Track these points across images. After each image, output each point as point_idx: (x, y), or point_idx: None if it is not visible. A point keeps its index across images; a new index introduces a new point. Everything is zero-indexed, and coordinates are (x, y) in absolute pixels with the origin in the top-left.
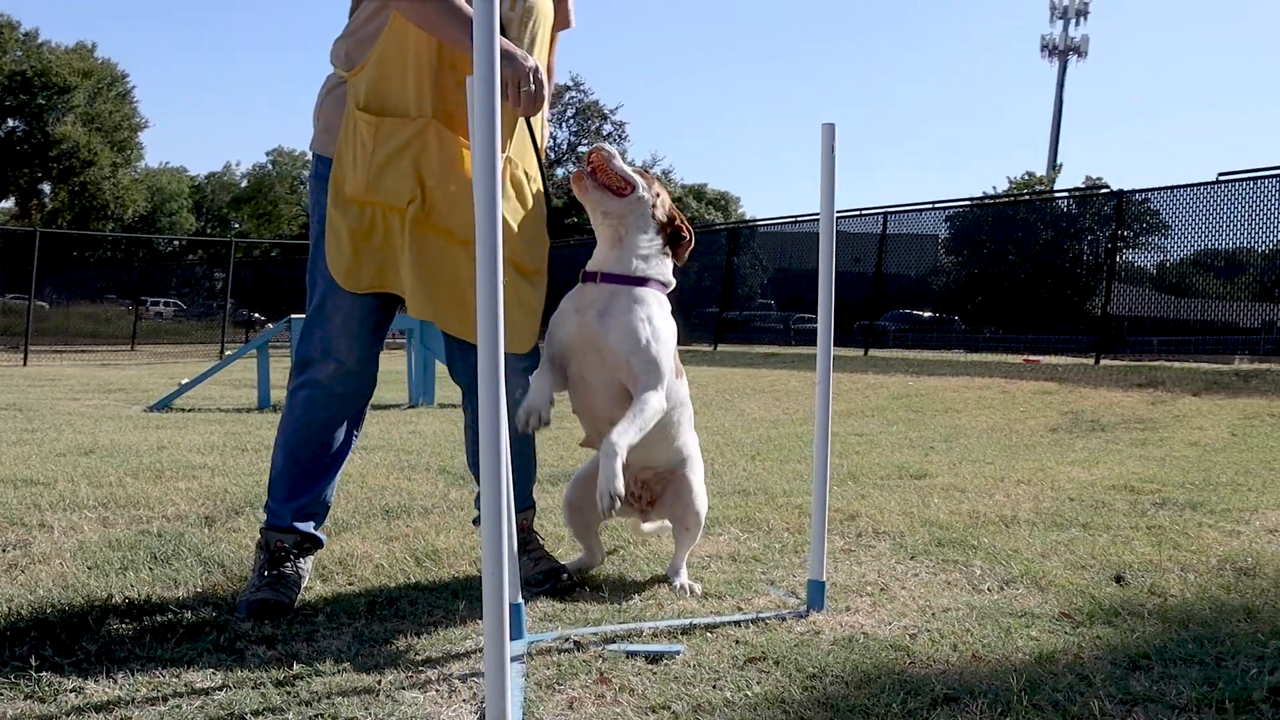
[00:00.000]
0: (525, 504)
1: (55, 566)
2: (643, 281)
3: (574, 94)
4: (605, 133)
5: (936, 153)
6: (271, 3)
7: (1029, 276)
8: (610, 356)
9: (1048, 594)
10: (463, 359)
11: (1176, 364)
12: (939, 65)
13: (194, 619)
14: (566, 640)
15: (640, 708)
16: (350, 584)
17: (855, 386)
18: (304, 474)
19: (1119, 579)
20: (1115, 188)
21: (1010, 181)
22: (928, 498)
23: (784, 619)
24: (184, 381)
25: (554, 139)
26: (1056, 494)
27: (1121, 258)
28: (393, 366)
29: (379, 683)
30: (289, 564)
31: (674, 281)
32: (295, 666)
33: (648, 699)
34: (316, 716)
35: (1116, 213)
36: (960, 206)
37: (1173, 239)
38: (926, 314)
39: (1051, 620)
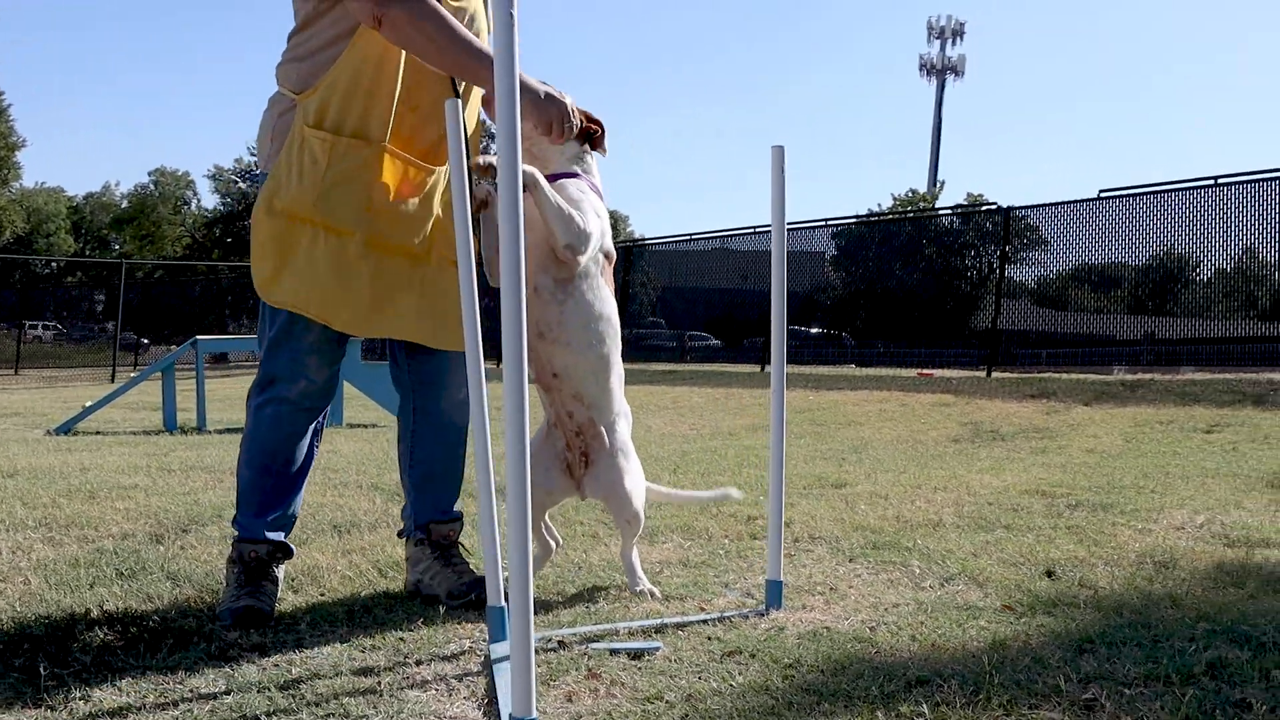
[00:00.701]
0: (451, 515)
1: (20, 584)
2: (572, 175)
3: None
4: (492, 150)
5: (821, 170)
6: (150, 20)
7: (915, 292)
8: (537, 236)
9: (986, 589)
10: (409, 363)
11: (1065, 375)
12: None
13: (179, 629)
14: (549, 640)
15: (635, 698)
16: (322, 594)
17: (757, 401)
18: (273, 488)
19: (1050, 574)
20: (998, 204)
21: (894, 198)
22: (853, 505)
23: (747, 617)
24: (88, 404)
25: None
26: (974, 499)
27: (1014, 272)
28: None
29: (379, 684)
30: (264, 574)
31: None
32: (294, 670)
33: (640, 690)
34: (328, 716)
35: (1003, 229)
36: (848, 223)
37: (1055, 254)
38: (815, 330)
39: (995, 612)
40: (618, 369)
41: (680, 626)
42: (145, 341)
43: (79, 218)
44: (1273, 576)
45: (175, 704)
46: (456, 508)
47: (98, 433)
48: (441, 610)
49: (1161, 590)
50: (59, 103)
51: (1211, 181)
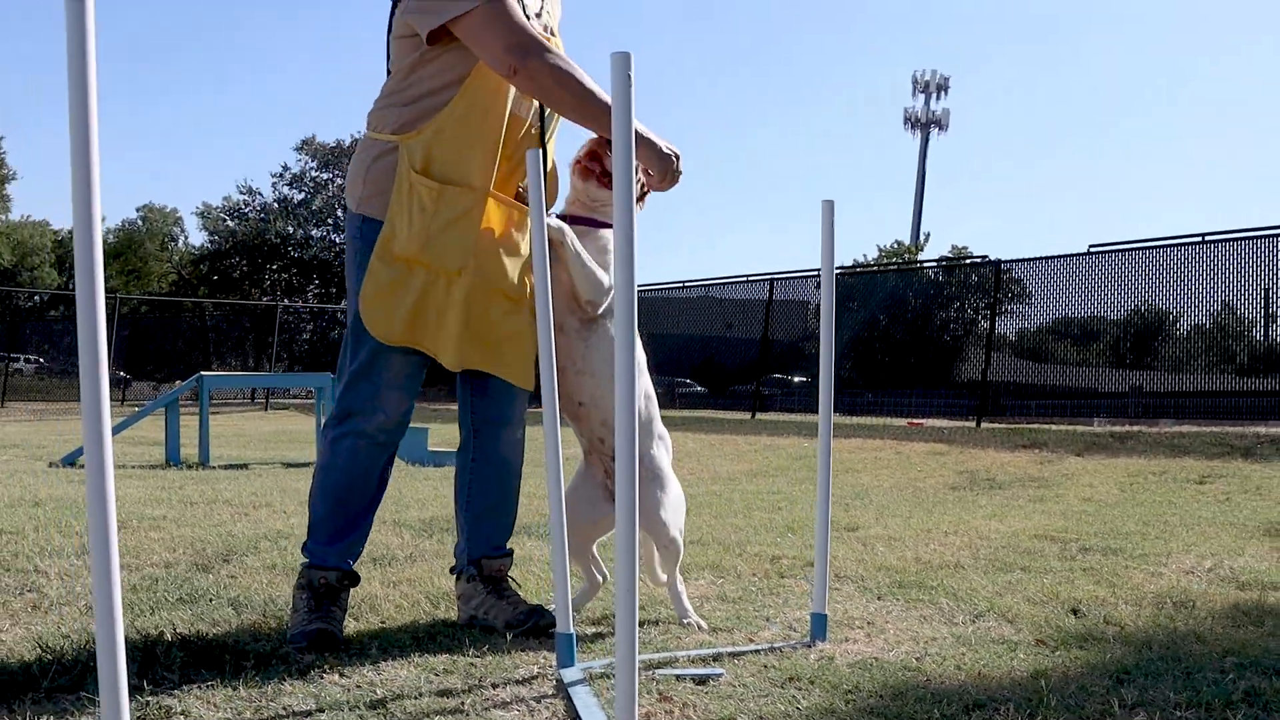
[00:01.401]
0: (503, 551)
1: (81, 607)
2: (604, 224)
3: None
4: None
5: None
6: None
7: (901, 342)
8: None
9: (1017, 625)
10: (473, 402)
11: (1054, 426)
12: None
13: (254, 651)
14: (613, 666)
15: (710, 716)
16: (383, 622)
17: (753, 448)
18: (346, 517)
19: (1075, 612)
20: (988, 257)
21: (880, 249)
22: (870, 546)
23: (795, 648)
24: None
25: None
26: (987, 543)
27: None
28: (300, 426)
29: (463, 704)
30: (333, 599)
31: None
32: (377, 691)
33: (712, 712)
34: None
35: (994, 282)
36: (839, 273)
37: (1043, 307)
38: (799, 378)
39: (1030, 646)
40: (647, 392)
41: (734, 655)
42: (128, 377)
43: (64, 251)
44: None
45: (285, 717)
46: (508, 545)
47: None
48: (508, 637)
49: (1185, 627)
50: (46, 134)
51: (1200, 239)
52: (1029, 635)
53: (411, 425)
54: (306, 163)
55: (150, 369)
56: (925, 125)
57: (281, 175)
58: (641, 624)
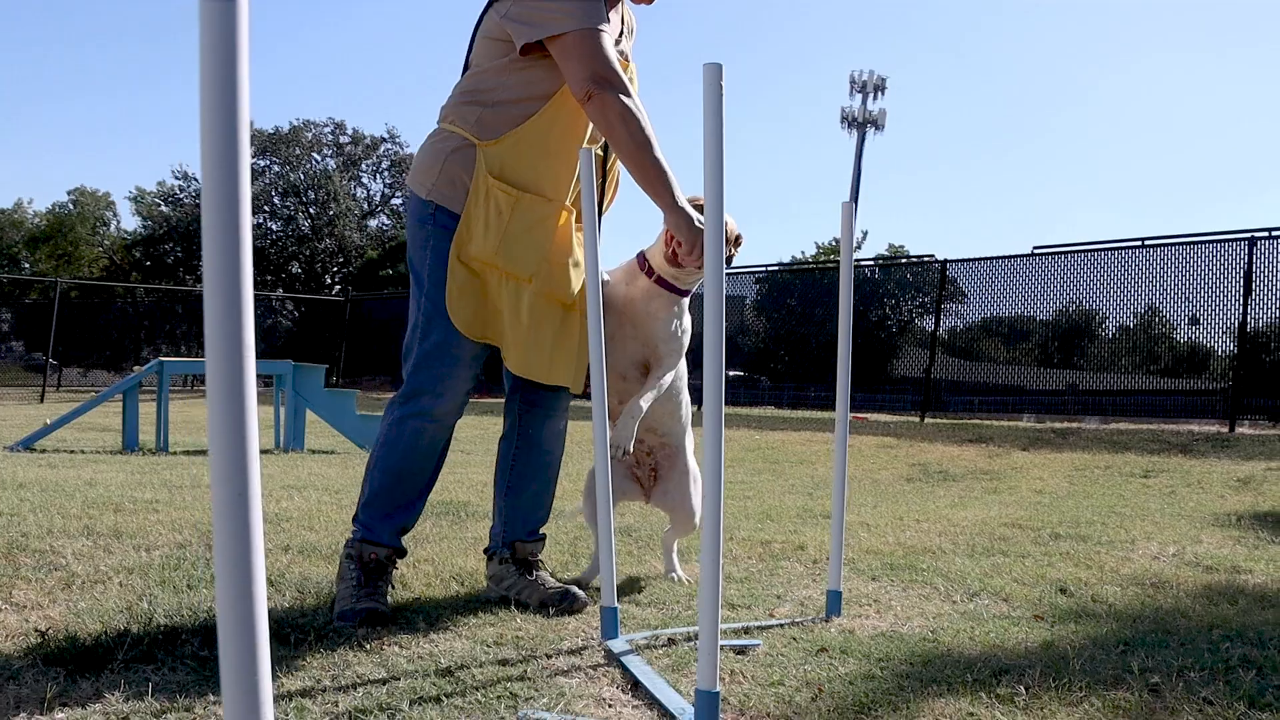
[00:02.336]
0: (537, 536)
1: (118, 585)
2: (686, 291)
3: (389, 146)
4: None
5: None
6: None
7: (834, 339)
8: (653, 337)
9: (1013, 603)
10: (521, 392)
11: (995, 422)
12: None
13: (306, 626)
14: (657, 637)
15: (760, 683)
16: (416, 598)
17: (702, 440)
18: (404, 495)
19: (1064, 591)
20: (934, 256)
21: (818, 246)
22: (852, 532)
23: (815, 623)
24: (49, 422)
25: (368, 190)
26: (960, 530)
27: (922, 322)
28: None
29: (525, 672)
30: (382, 574)
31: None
32: (441, 661)
33: (759, 678)
34: (498, 698)
35: (940, 281)
36: (777, 268)
37: (985, 306)
38: (733, 373)
39: (1029, 621)
40: (687, 402)
41: (762, 629)
42: (53, 363)
43: None
44: (1259, 594)
45: (354, 687)
46: (542, 531)
47: (60, 450)
48: (550, 611)
49: (1167, 605)
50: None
51: (1139, 243)
52: (1026, 612)
53: (374, 415)
54: None
55: (79, 355)
56: (862, 124)
57: None
58: (663, 599)
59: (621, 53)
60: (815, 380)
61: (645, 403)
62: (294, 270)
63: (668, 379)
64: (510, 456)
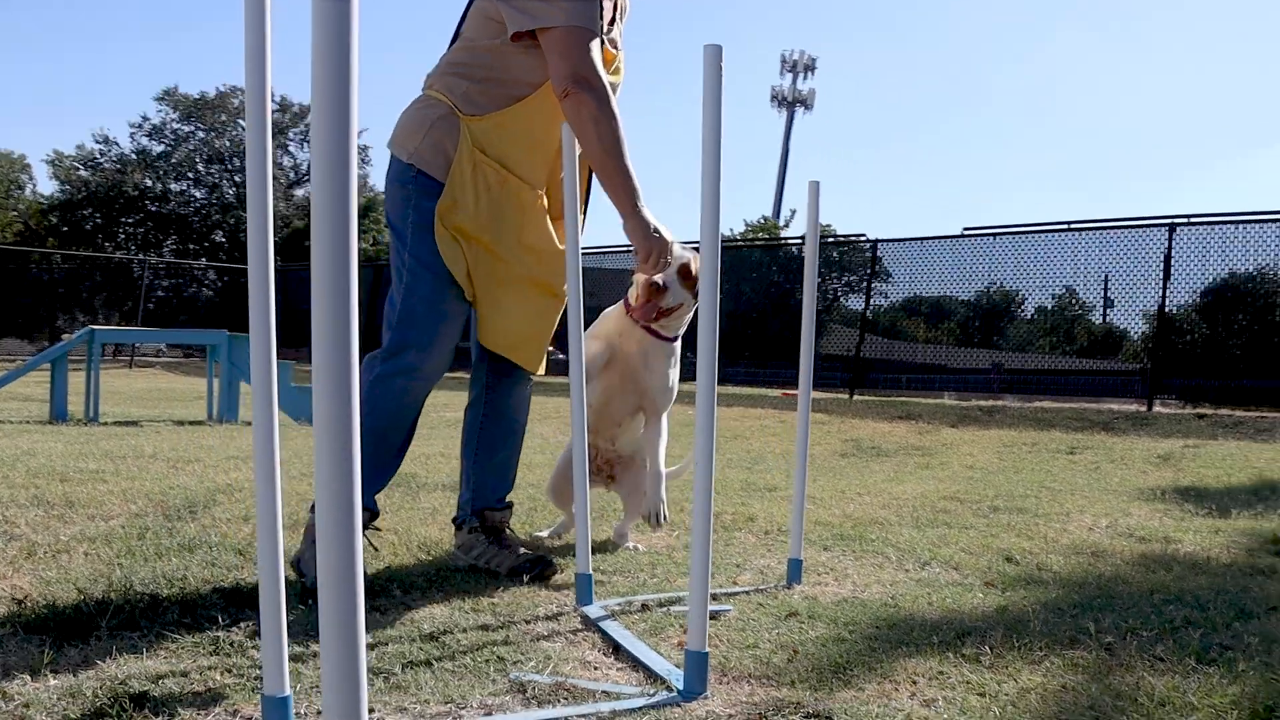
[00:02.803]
0: (505, 504)
1: (83, 554)
2: (675, 337)
3: None
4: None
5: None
6: None
7: (766, 316)
8: (647, 387)
9: (963, 571)
10: (489, 361)
11: (923, 400)
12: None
13: (290, 591)
14: (631, 603)
15: (735, 645)
16: (388, 566)
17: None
18: (385, 456)
19: (1010, 559)
20: (865, 236)
21: (746, 224)
22: (767, 503)
23: (778, 590)
24: None
25: (295, 159)
26: (901, 504)
27: (847, 301)
28: (173, 385)
29: (508, 637)
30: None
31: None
32: (424, 627)
33: (735, 641)
34: (487, 661)
35: (872, 260)
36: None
37: (913, 285)
38: None
39: (981, 588)
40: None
41: (729, 595)
42: None
43: None
44: (1190, 562)
45: None
46: (508, 499)
47: None
48: (524, 579)
49: (1109, 572)
50: None
51: (1065, 226)
52: (976, 579)
53: (309, 386)
54: (168, 114)
55: None
56: (791, 104)
57: (140, 126)
58: (631, 568)
59: (611, 40)
60: (744, 357)
61: (664, 465)
62: (217, 239)
63: (665, 423)
64: (478, 424)
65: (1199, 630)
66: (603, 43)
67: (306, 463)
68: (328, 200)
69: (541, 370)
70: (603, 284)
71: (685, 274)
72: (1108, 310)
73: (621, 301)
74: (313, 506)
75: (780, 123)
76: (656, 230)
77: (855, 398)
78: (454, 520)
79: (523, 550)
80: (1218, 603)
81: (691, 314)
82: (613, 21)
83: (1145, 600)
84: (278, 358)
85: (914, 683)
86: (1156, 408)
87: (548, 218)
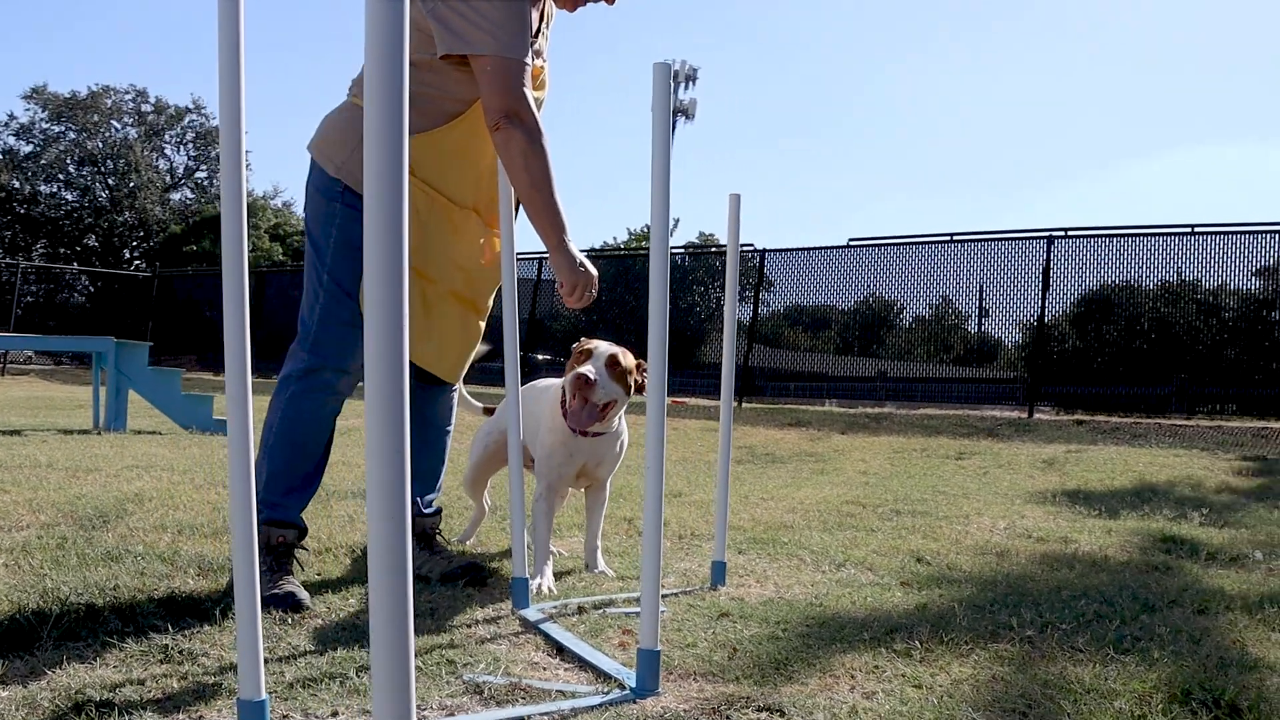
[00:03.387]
0: (433, 510)
1: (2, 564)
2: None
3: (194, 118)
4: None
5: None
6: None
7: (646, 323)
8: (597, 477)
9: (878, 572)
10: (413, 365)
11: (811, 407)
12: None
13: (227, 601)
14: (566, 606)
15: (675, 644)
16: (317, 573)
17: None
18: (307, 471)
19: (920, 560)
20: (753, 246)
21: (630, 232)
22: (706, 510)
23: (704, 591)
24: None
25: (171, 162)
26: (806, 508)
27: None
28: (51, 393)
29: (454, 640)
30: (291, 556)
31: None
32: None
33: (674, 641)
34: (438, 664)
35: (759, 269)
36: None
37: (792, 295)
38: (543, 356)
39: (898, 587)
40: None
41: (659, 597)
42: None
43: None
44: (1089, 561)
45: (293, 658)
46: (436, 505)
47: None
48: (458, 584)
49: (1016, 571)
50: None
51: (948, 238)
52: (892, 579)
53: (198, 394)
54: (36, 113)
55: None
56: (673, 113)
57: (7, 125)
58: (563, 574)
59: (537, 51)
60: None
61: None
62: (90, 243)
63: (608, 488)
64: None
65: (1111, 623)
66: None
67: (209, 471)
68: (381, 216)
69: (459, 380)
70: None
71: (613, 365)
72: (983, 320)
73: (556, 394)
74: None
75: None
76: (583, 265)
77: (744, 405)
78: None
79: (453, 556)
80: (1122, 598)
81: (625, 407)
82: (538, 33)
83: (1054, 596)
84: (160, 365)
85: (853, 677)
86: (1037, 414)
87: (494, 242)
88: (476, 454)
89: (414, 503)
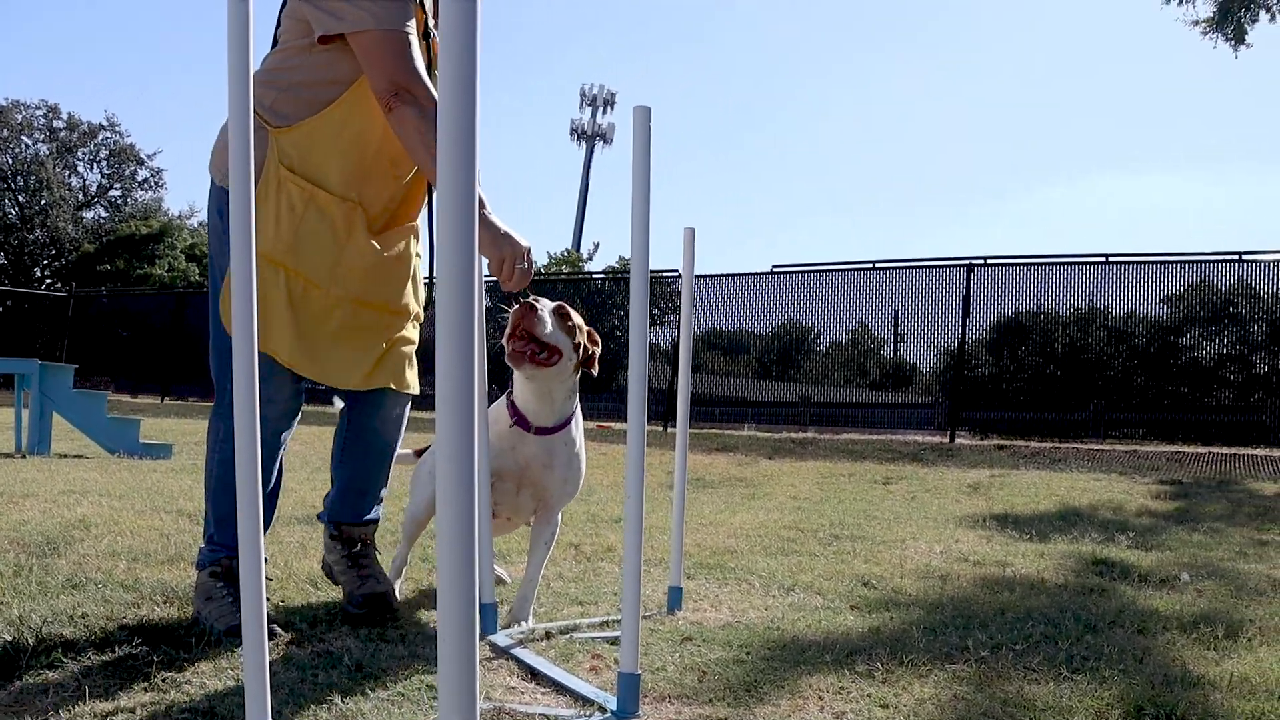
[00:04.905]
0: (364, 520)
1: None
2: (568, 419)
3: (108, 135)
4: (140, 179)
5: None
6: None
7: None
8: (549, 491)
9: (827, 596)
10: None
11: (736, 432)
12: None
13: (194, 628)
14: (533, 632)
15: (644, 668)
16: (284, 600)
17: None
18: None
19: (866, 584)
20: (678, 272)
21: (550, 256)
22: (649, 535)
23: (663, 616)
24: None
25: (84, 180)
26: (745, 533)
27: (652, 335)
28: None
29: (427, 665)
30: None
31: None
32: (346, 660)
33: (643, 665)
34: (418, 690)
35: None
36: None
37: (715, 320)
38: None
39: (848, 611)
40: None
41: (617, 622)
42: None
43: None
44: (1028, 584)
45: (274, 689)
46: (374, 514)
47: None
48: (349, 609)
49: (959, 594)
50: None
51: (871, 265)
52: (842, 603)
53: (124, 418)
54: None
55: None
56: (591, 137)
57: None
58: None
59: (426, 34)
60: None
61: (540, 571)
62: None
63: (559, 517)
64: (343, 434)
65: (1059, 644)
66: (429, 37)
67: (148, 496)
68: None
69: (413, 389)
70: None
71: (562, 315)
72: (899, 345)
73: (503, 401)
74: (207, 561)
75: (580, 156)
76: (507, 234)
77: (668, 430)
78: (318, 516)
79: (370, 578)
80: (1065, 619)
81: (575, 374)
82: (433, 13)
83: (1000, 618)
84: (83, 388)
85: (820, 698)
86: (958, 439)
87: (390, 238)
88: (426, 491)
89: (342, 511)
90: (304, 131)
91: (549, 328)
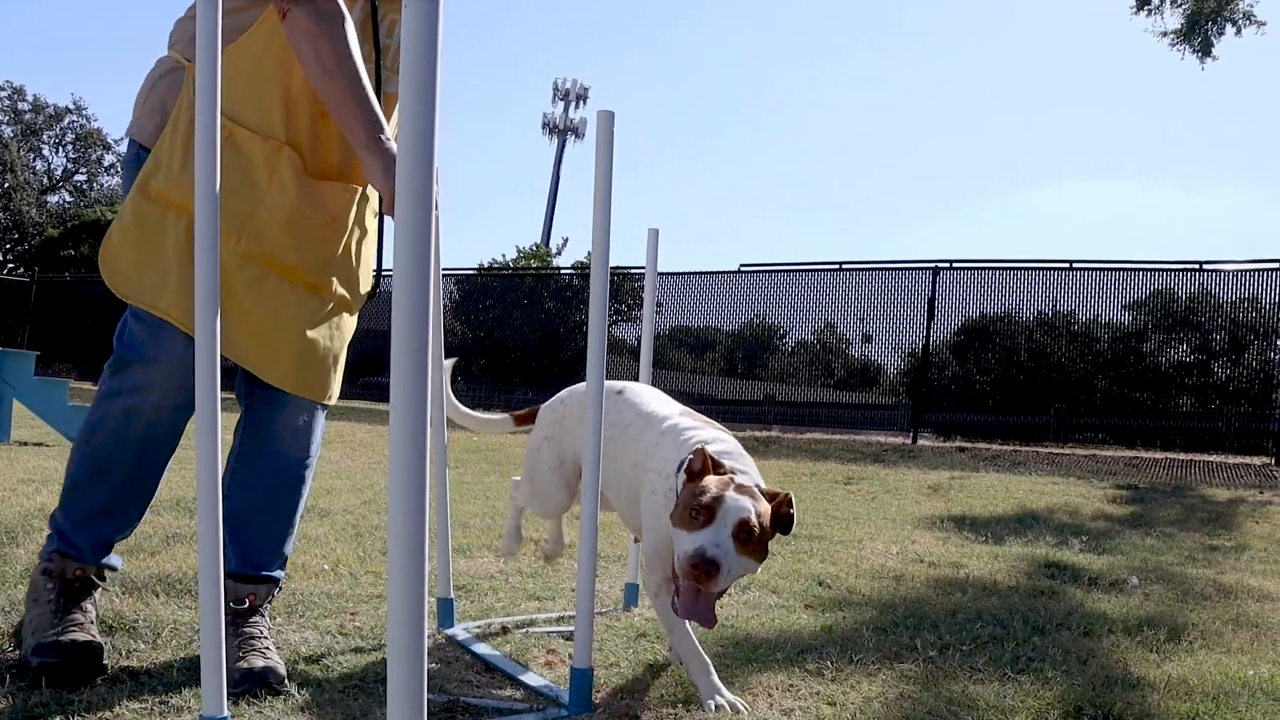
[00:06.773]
0: (258, 575)
1: None
2: None
3: (74, 119)
4: (107, 164)
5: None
6: None
7: (534, 343)
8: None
9: (782, 595)
10: (246, 382)
11: None
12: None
13: (174, 621)
14: (490, 625)
15: (598, 664)
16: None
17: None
18: (115, 497)
19: (821, 584)
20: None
21: (519, 250)
22: (609, 531)
23: (618, 613)
24: None
25: (49, 164)
26: None
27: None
28: None
29: (384, 658)
30: (88, 595)
31: None
32: (304, 650)
33: (597, 660)
34: (375, 682)
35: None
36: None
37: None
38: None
39: (804, 609)
40: None
41: (574, 619)
42: None
43: None
44: (980, 585)
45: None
46: (273, 571)
47: None
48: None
49: (912, 595)
50: None
51: (837, 266)
52: (796, 602)
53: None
54: None
55: None
56: (563, 132)
57: None
58: (480, 595)
59: None
60: (516, 383)
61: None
62: None
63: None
64: (235, 453)
65: (1006, 645)
66: None
67: None
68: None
69: (328, 398)
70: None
71: (743, 534)
72: (865, 345)
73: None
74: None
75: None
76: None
77: None
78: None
79: (252, 651)
80: (1014, 621)
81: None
82: None
83: (951, 619)
84: (46, 375)
85: (770, 695)
86: (921, 441)
87: (323, 189)
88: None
89: (231, 556)
90: (225, 63)
91: (727, 579)
